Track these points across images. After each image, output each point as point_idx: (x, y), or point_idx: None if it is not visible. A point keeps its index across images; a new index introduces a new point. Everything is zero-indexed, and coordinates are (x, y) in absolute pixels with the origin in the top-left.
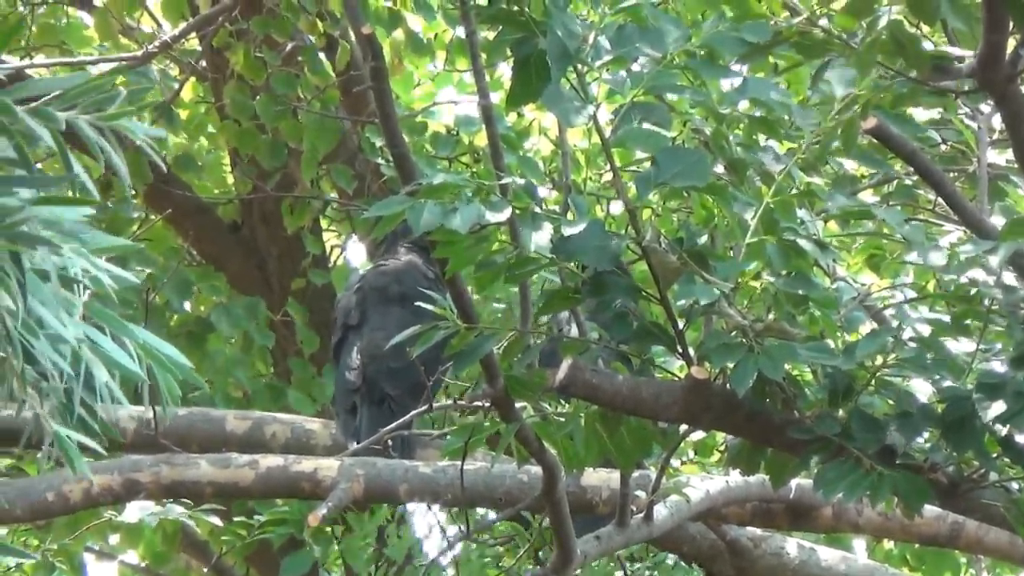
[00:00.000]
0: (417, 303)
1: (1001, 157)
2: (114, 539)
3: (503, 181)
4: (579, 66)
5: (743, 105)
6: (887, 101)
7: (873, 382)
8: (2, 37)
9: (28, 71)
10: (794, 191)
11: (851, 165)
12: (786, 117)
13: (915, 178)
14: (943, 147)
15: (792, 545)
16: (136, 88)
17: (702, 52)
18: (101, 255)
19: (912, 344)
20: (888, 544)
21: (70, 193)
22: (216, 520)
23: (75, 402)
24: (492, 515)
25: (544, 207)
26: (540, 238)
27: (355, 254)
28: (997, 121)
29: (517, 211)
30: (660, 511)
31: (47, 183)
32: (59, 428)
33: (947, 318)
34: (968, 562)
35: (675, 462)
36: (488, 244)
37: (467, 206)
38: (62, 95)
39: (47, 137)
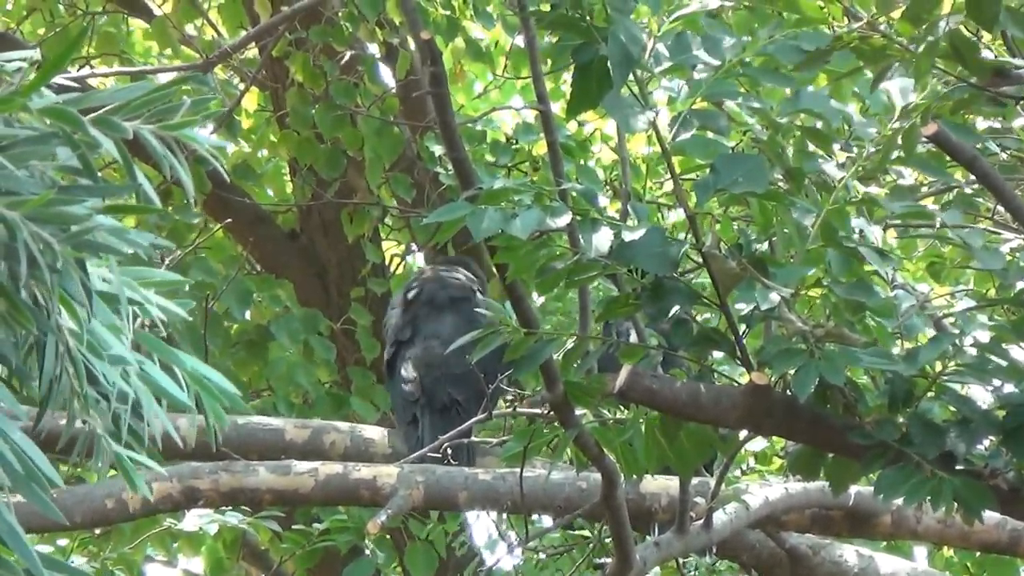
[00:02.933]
0: (473, 307)
1: None
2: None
3: (563, 187)
4: (639, 72)
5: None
6: (947, 108)
7: (933, 388)
8: (66, 50)
9: (88, 80)
10: (852, 199)
11: (910, 175)
12: (845, 127)
13: (975, 187)
14: (1003, 156)
15: (851, 553)
16: (199, 97)
17: (760, 60)
18: (156, 289)
19: (973, 350)
20: (948, 552)
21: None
22: (275, 526)
23: (123, 428)
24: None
25: (604, 214)
26: (600, 242)
27: (417, 263)
28: None
29: (577, 217)
30: (719, 517)
31: (112, 192)
32: (119, 449)
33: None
34: None
35: (735, 471)
36: (548, 250)
37: (527, 211)
38: (125, 105)
39: (111, 147)
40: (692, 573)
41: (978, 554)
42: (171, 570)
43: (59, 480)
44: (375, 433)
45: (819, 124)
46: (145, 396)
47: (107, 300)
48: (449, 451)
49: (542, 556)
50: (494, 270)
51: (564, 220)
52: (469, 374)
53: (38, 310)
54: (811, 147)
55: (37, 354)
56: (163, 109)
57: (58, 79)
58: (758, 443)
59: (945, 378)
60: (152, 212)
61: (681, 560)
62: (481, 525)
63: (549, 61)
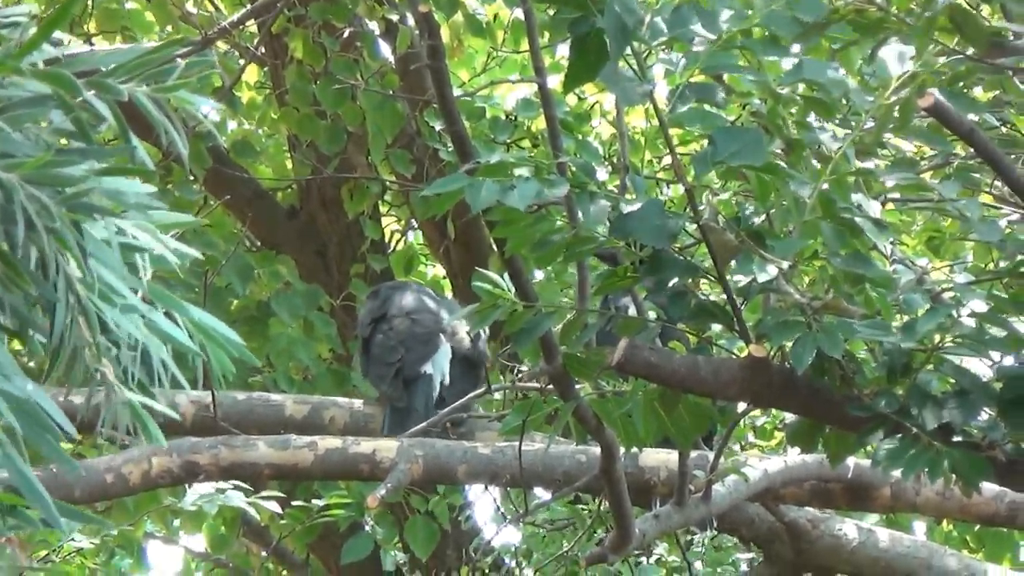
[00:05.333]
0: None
1: None
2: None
3: (561, 160)
4: (637, 45)
5: (800, 87)
6: (944, 80)
7: (931, 360)
8: (61, 10)
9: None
10: (851, 171)
11: (909, 148)
12: (843, 99)
13: (974, 160)
14: (1003, 128)
15: (850, 527)
16: (193, 60)
17: (757, 32)
18: (164, 231)
19: (971, 321)
20: (947, 526)
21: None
22: (275, 507)
23: (132, 375)
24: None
25: (602, 187)
26: (598, 215)
27: (419, 240)
28: None
29: (575, 190)
30: (718, 490)
31: (106, 155)
32: (131, 395)
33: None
34: None
35: (735, 446)
36: (546, 224)
37: (525, 183)
38: (119, 68)
39: (105, 110)
40: (698, 549)
41: (977, 528)
42: (172, 547)
43: (73, 430)
44: (374, 408)
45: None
46: (153, 344)
47: (120, 249)
48: (448, 425)
49: (541, 531)
50: (493, 245)
51: (562, 192)
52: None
53: (41, 270)
54: (811, 118)
55: (47, 306)
56: (157, 72)
57: (57, 53)
58: (758, 417)
59: (943, 350)
60: (145, 174)
61: (681, 535)
62: (484, 504)
63: (547, 34)
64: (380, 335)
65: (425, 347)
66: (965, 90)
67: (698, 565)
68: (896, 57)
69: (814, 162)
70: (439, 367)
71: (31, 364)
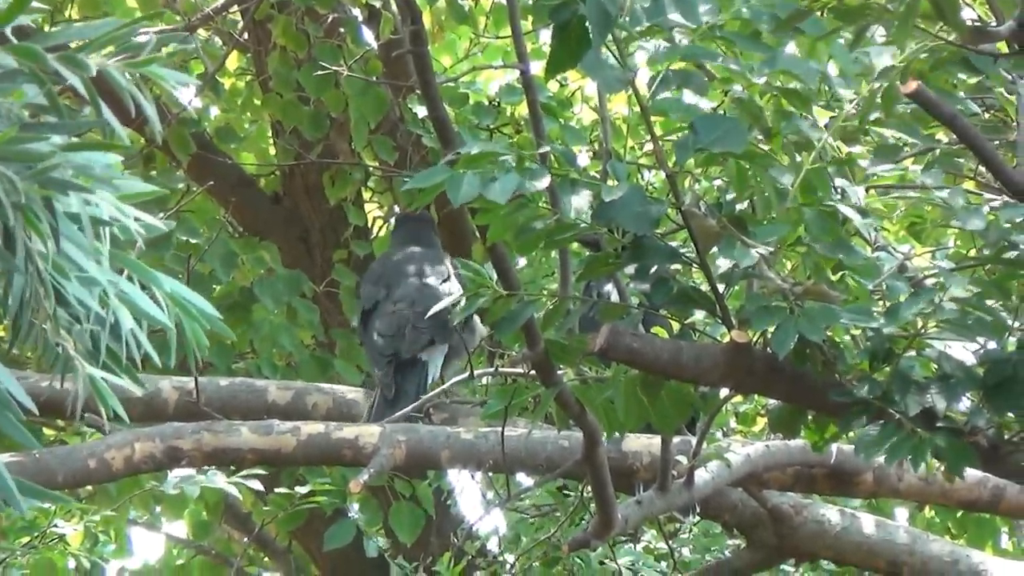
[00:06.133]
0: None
1: None
2: (157, 510)
3: (542, 149)
4: (618, 32)
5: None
6: (925, 64)
7: (914, 345)
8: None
9: None
10: (833, 159)
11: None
12: (825, 88)
13: (957, 147)
14: (985, 116)
15: (834, 512)
16: (166, 35)
17: (735, 24)
18: (131, 201)
19: (953, 305)
20: (930, 512)
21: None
22: (257, 485)
23: (101, 348)
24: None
25: (584, 174)
26: (579, 202)
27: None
28: None
29: (556, 178)
30: (701, 476)
31: (78, 129)
32: (91, 369)
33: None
34: (1010, 530)
35: (717, 433)
36: (528, 211)
37: (506, 176)
38: (91, 43)
39: (77, 84)
40: (685, 535)
41: (959, 514)
42: (154, 533)
43: (33, 407)
44: (357, 395)
45: (796, 85)
46: (124, 316)
47: (77, 221)
48: (430, 410)
49: (528, 518)
50: (475, 232)
51: (543, 183)
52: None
53: (6, 244)
54: (790, 108)
55: (6, 278)
56: (129, 47)
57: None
58: (741, 404)
59: (926, 336)
60: (116, 148)
61: (668, 522)
62: (468, 490)
63: (530, 18)
64: (381, 319)
65: (425, 334)
66: (947, 81)
67: (686, 552)
68: (877, 51)
69: (795, 153)
70: (435, 358)
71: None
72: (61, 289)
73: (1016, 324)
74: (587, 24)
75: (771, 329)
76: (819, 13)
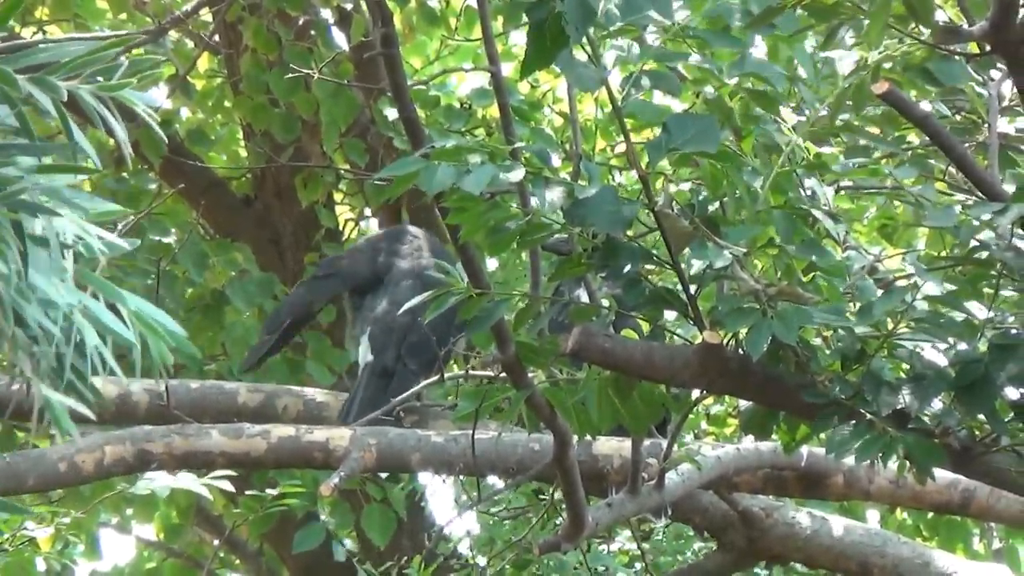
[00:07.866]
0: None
1: (1012, 127)
2: (128, 513)
3: (515, 146)
4: (591, 32)
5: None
6: (898, 71)
7: (885, 346)
8: (5, 10)
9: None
10: (803, 161)
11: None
12: (795, 90)
13: (928, 147)
14: (956, 117)
15: (804, 515)
16: (138, 58)
17: (706, 23)
18: (97, 221)
19: (925, 305)
20: (901, 515)
21: (73, 162)
22: (228, 486)
23: (65, 367)
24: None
25: (556, 173)
26: (553, 196)
27: (371, 228)
28: (1007, 89)
29: (529, 176)
30: (672, 478)
31: (48, 151)
32: (48, 392)
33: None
34: (981, 533)
35: (689, 436)
36: (500, 211)
37: (481, 167)
38: (65, 64)
39: (49, 106)
40: (659, 538)
41: (930, 516)
42: (125, 536)
43: None
44: (328, 398)
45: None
46: (88, 334)
47: (45, 244)
48: (401, 413)
49: (502, 521)
50: (446, 232)
51: (517, 176)
52: (425, 341)
53: None
54: (758, 110)
55: None
56: (102, 69)
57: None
58: (713, 406)
59: (897, 336)
60: (87, 172)
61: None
62: (439, 492)
63: (501, 19)
64: (378, 327)
65: (423, 354)
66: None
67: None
68: (840, 55)
69: (766, 155)
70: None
71: None
72: (20, 311)
73: (988, 321)
74: (563, 23)
75: (743, 330)
76: (793, 10)
